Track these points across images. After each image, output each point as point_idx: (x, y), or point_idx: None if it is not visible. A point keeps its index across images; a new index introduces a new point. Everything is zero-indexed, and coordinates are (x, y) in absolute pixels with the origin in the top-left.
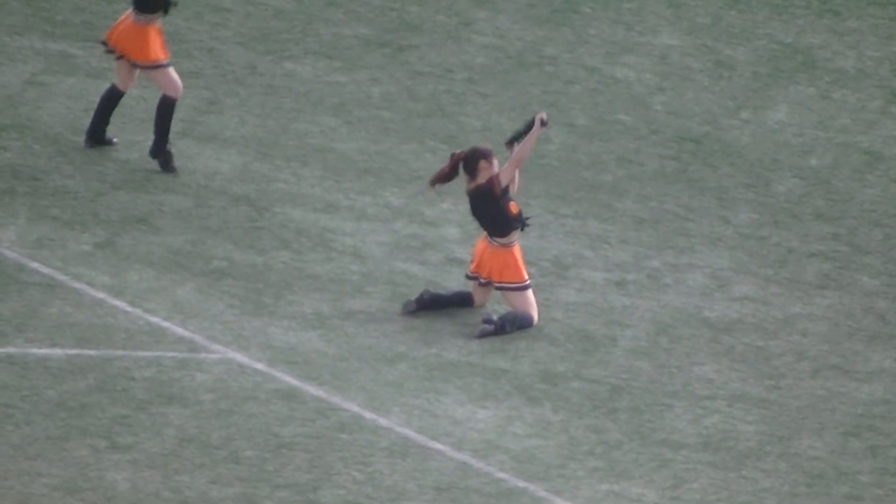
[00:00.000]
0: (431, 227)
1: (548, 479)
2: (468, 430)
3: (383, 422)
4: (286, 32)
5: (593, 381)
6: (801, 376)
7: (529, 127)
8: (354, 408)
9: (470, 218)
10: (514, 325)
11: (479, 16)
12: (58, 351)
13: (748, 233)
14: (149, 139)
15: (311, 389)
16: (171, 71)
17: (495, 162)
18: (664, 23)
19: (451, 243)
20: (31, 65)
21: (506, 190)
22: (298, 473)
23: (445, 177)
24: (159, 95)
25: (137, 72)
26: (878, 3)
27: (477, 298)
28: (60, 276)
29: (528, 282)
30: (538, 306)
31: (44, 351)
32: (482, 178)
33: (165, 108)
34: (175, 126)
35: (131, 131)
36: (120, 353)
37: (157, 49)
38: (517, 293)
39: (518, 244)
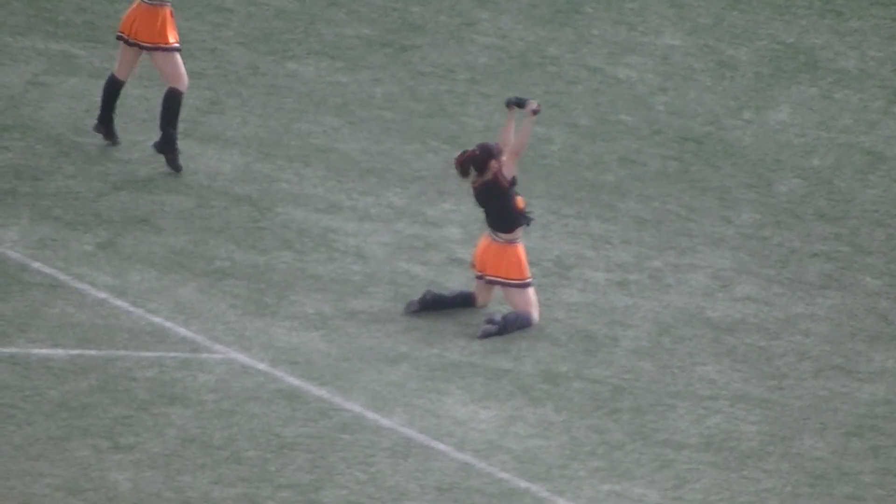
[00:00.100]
0: (434, 227)
1: (550, 479)
2: (470, 430)
3: (385, 422)
4: (288, 32)
5: (595, 381)
6: (804, 376)
7: (523, 100)
8: (356, 408)
9: (472, 218)
10: (515, 325)
11: (481, 16)
12: (60, 351)
13: (750, 233)
14: (150, 139)
15: (314, 390)
16: (180, 59)
17: (502, 161)
18: (666, 23)
19: (454, 243)
20: (33, 65)
21: (513, 182)
22: (300, 474)
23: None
24: (164, 90)
25: (136, 69)
26: (880, 3)
27: (479, 299)
28: (62, 277)
29: (529, 280)
30: (540, 306)
31: (46, 351)
32: (489, 175)
33: (173, 101)
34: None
35: (133, 131)
36: (122, 353)
37: (172, 31)
38: (518, 290)
39: (522, 243)
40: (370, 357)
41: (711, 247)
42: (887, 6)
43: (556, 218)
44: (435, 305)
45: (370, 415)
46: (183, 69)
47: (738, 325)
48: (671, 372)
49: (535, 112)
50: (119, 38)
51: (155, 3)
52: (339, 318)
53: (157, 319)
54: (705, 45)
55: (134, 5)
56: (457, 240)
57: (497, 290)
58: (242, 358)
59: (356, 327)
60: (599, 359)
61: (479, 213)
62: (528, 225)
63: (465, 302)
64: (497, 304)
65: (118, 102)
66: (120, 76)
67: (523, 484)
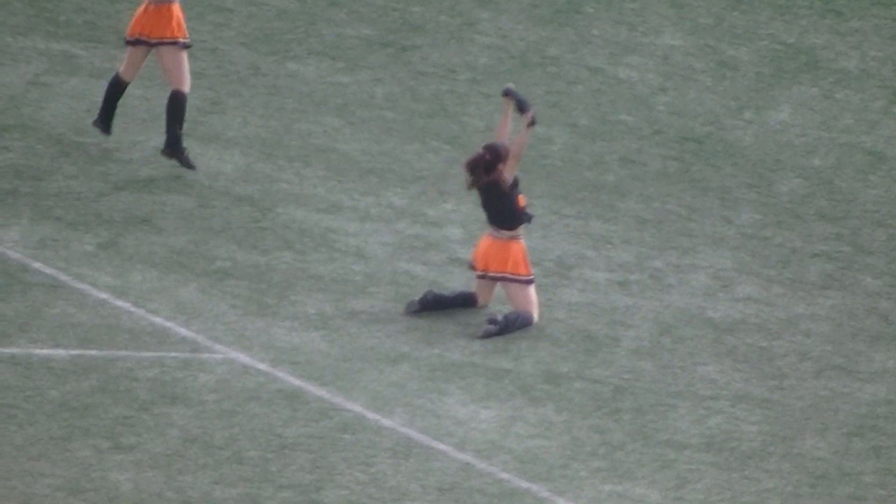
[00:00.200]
0: (434, 227)
1: (551, 479)
2: (471, 430)
3: (386, 422)
4: (289, 33)
5: (596, 381)
6: (805, 377)
7: (524, 102)
8: (357, 408)
9: (473, 218)
10: (516, 324)
11: (481, 16)
12: (61, 351)
13: (751, 233)
14: (150, 139)
15: (314, 390)
16: (187, 59)
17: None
18: (667, 23)
19: (454, 244)
20: (34, 65)
21: (515, 183)
22: (301, 474)
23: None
24: (168, 93)
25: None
26: (881, 3)
27: (480, 298)
28: (63, 277)
29: (531, 277)
30: (541, 306)
31: (47, 351)
32: (492, 176)
33: (177, 104)
34: None
35: (134, 131)
36: (123, 353)
37: (181, 28)
38: (521, 287)
39: (524, 241)
40: (371, 357)
41: (712, 247)
42: (888, 6)
43: (556, 218)
44: (435, 305)
45: (371, 415)
46: (187, 70)
47: (739, 325)
48: (672, 372)
49: (530, 125)
50: (129, 43)
51: (163, 1)
52: (340, 318)
53: (157, 319)
54: (706, 46)
55: (140, 8)
56: (457, 240)
57: (498, 289)
58: (243, 358)
59: (357, 327)
60: (600, 359)
61: (480, 214)
62: (529, 222)
63: (465, 302)
64: (498, 305)
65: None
66: (126, 77)
67: (524, 484)
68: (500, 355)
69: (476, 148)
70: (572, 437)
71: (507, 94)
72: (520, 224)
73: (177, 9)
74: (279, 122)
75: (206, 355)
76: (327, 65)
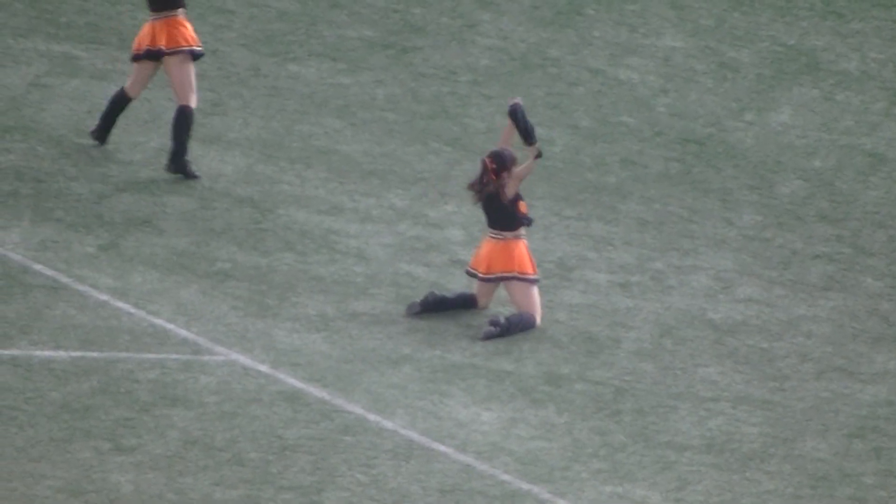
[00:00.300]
0: (435, 228)
1: (552, 481)
2: (472, 432)
3: (387, 424)
4: (290, 34)
5: (597, 382)
6: (806, 378)
7: (528, 132)
8: (358, 410)
9: (474, 220)
10: (518, 326)
11: (482, 18)
12: (62, 353)
13: (752, 234)
14: (151, 140)
15: (315, 391)
16: (193, 71)
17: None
18: (668, 25)
19: (455, 245)
20: (35, 67)
21: (515, 197)
22: (302, 475)
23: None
24: (176, 108)
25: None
26: (881, 4)
27: (481, 300)
28: (64, 279)
29: (535, 276)
30: (542, 308)
31: (48, 353)
32: (494, 185)
33: (184, 120)
34: None
35: (135, 133)
36: (124, 355)
37: (189, 37)
38: (525, 286)
39: (525, 241)
40: (372, 359)
41: (713, 248)
42: (888, 8)
43: (557, 219)
44: (437, 307)
45: (372, 416)
46: (194, 84)
47: (740, 326)
48: (673, 373)
49: (537, 157)
50: (136, 58)
51: (168, 15)
52: (341, 319)
53: (158, 321)
54: (707, 47)
55: (144, 26)
56: (459, 241)
57: (500, 290)
58: (244, 360)
59: (358, 329)
60: (601, 360)
61: (481, 215)
62: (529, 226)
63: (466, 303)
64: (498, 306)
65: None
66: (131, 93)
67: (525, 486)
68: (501, 357)
69: (476, 147)
70: (573, 438)
71: (513, 114)
72: (520, 226)
73: (183, 20)
74: (280, 124)
75: (206, 357)
76: (328, 66)
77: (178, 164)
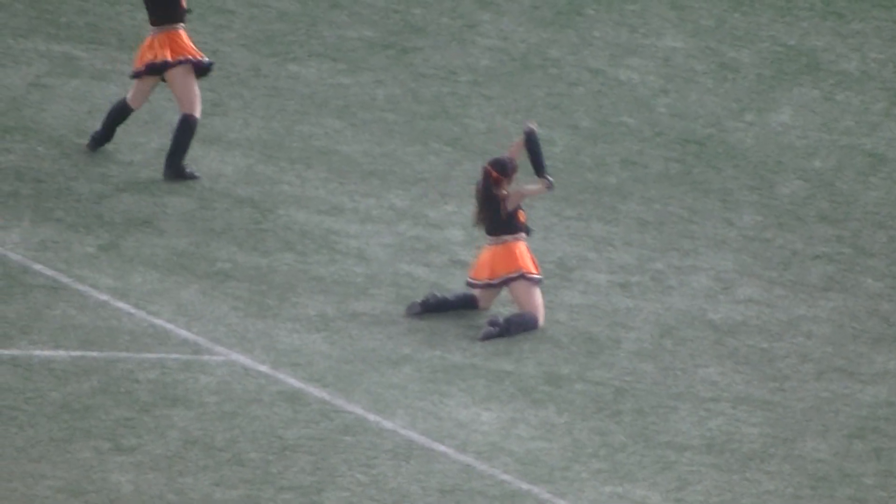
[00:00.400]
0: (436, 229)
1: (552, 481)
2: (472, 432)
3: (387, 424)
4: (290, 34)
5: (597, 383)
6: (806, 378)
7: (539, 162)
8: (358, 410)
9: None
10: (520, 327)
11: (482, 18)
12: (62, 353)
13: (752, 235)
14: (152, 141)
15: (315, 391)
16: (196, 83)
17: (514, 181)
18: (668, 25)
19: (456, 245)
20: (35, 67)
21: (515, 209)
22: (302, 476)
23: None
24: (179, 116)
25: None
26: (881, 5)
27: (482, 301)
28: (64, 279)
29: (537, 275)
30: (543, 308)
31: (48, 353)
32: (496, 192)
33: (187, 129)
34: None
35: (135, 133)
36: (124, 355)
37: (190, 48)
38: (526, 286)
39: (525, 242)
40: (372, 359)
41: (713, 249)
42: (889, 8)
43: (558, 220)
44: (437, 307)
45: (372, 417)
46: (198, 93)
47: (740, 326)
48: (673, 374)
49: (547, 188)
50: (137, 75)
51: (169, 29)
52: (341, 319)
53: (158, 321)
54: (707, 47)
55: (146, 40)
56: (459, 242)
57: (501, 291)
58: (244, 360)
59: (358, 329)
60: (601, 361)
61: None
62: (528, 235)
63: (467, 304)
64: (499, 307)
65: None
66: (133, 105)
67: (525, 486)
68: (501, 357)
69: (477, 148)
70: (573, 438)
71: (528, 138)
72: (518, 231)
73: (183, 34)
74: (280, 124)
75: (206, 357)
76: (328, 66)
77: (175, 168)
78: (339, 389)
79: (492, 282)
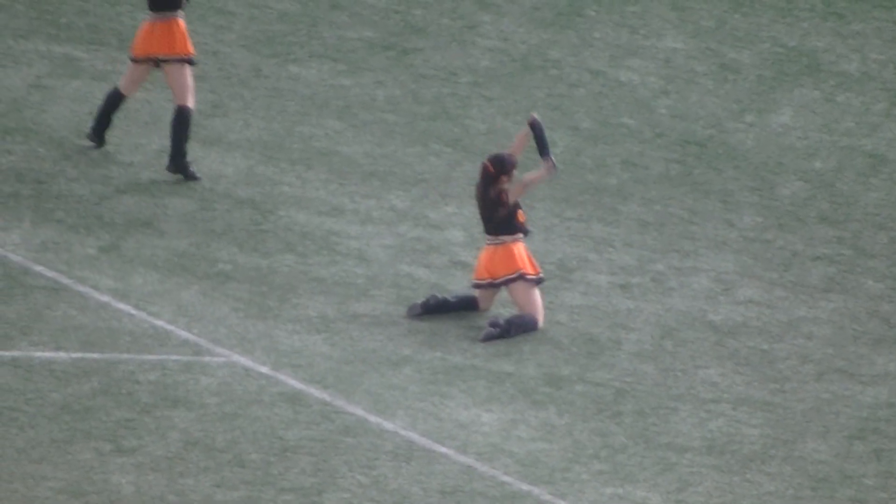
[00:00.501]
0: (436, 230)
1: (552, 482)
2: (473, 433)
3: (388, 425)
4: (291, 35)
5: (598, 384)
6: (806, 380)
7: (544, 146)
8: (359, 411)
9: (475, 221)
10: (520, 328)
11: (483, 19)
12: (62, 354)
13: (753, 236)
14: (152, 142)
15: (316, 393)
16: (191, 74)
17: (513, 176)
18: (668, 26)
19: (456, 246)
20: (36, 68)
21: (515, 204)
22: (303, 477)
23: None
24: (174, 108)
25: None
26: (882, 5)
27: (482, 302)
28: (65, 280)
29: (538, 276)
30: (543, 309)
31: (48, 354)
32: (497, 187)
33: (183, 120)
34: None
35: (136, 134)
36: (124, 356)
37: (187, 42)
38: (525, 288)
39: (523, 243)
40: (373, 360)
41: (714, 250)
42: (889, 9)
43: (558, 221)
44: (437, 309)
45: (373, 418)
46: (192, 85)
47: (741, 328)
48: (673, 375)
49: (550, 170)
50: (138, 61)
51: (168, 16)
52: (342, 321)
53: (159, 322)
54: (707, 48)
55: (146, 26)
56: (459, 243)
57: (501, 292)
58: (245, 361)
59: (359, 330)
60: (602, 362)
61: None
62: (525, 235)
63: (467, 305)
64: (500, 308)
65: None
66: (126, 92)
67: (526, 487)
68: (501, 358)
69: (477, 149)
70: (574, 440)
71: (533, 126)
72: (516, 231)
73: (182, 24)
74: (281, 125)
75: (207, 358)
76: (329, 67)
77: (179, 164)
78: (339, 391)
79: (494, 281)
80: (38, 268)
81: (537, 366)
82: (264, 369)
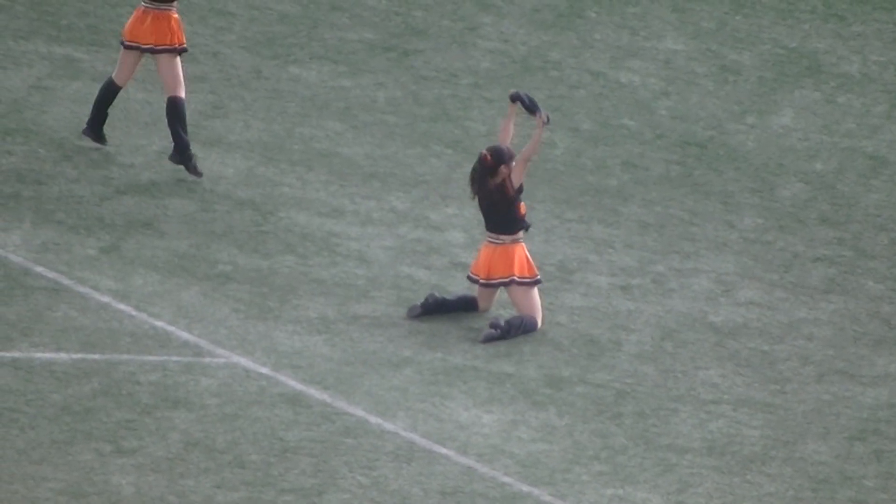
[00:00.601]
0: (436, 231)
1: (552, 483)
2: (473, 434)
3: (388, 426)
4: (291, 37)
5: (598, 385)
6: (807, 381)
7: (533, 104)
8: (359, 412)
9: (475, 223)
10: (520, 329)
11: (484, 20)
12: (63, 355)
13: (753, 237)
14: (153, 143)
15: (316, 394)
16: (180, 65)
17: (511, 166)
18: (669, 27)
19: (456, 248)
20: (37, 69)
21: (519, 189)
22: (303, 478)
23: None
24: (166, 99)
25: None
26: (883, 7)
27: (482, 303)
28: (65, 281)
29: (535, 278)
30: (543, 310)
31: (49, 355)
32: (497, 179)
33: (177, 109)
34: None
35: (136, 135)
36: (125, 357)
37: (180, 34)
38: (524, 290)
39: (524, 244)
40: (373, 361)
41: (714, 251)
42: (890, 11)
43: (559, 222)
44: (438, 309)
45: (373, 419)
46: (181, 75)
47: (741, 329)
48: (674, 376)
49: (545, 123)
50: (128, 47)
51: (162, 8)
52: (342, 322)
53: (159, 323)
54: (708, 50)
55: (139, 13)
56: (459, 244)
57: (501, 293)
58: (245, 362)
59: (359, 331)
60: (602, 363)
61: (481, 218)
62: (526, 230)
63: (467, 306)
64: (500, 308)
65: (116, 107)
66: (119, 81)
67: (526, 488)
68: (502, 359)
69: (477, 150)
70: (574, 441)
71: (514, 98)
72: (519, 230)
73: (176, 17)
74: (281, 126)
75: (207, 359)
76: (329, 69)
77: (184, 156)
78: (340, 391)
79: (489, 281)
80: (39, 269)
81: (538, 367)
82: (265, 370)
